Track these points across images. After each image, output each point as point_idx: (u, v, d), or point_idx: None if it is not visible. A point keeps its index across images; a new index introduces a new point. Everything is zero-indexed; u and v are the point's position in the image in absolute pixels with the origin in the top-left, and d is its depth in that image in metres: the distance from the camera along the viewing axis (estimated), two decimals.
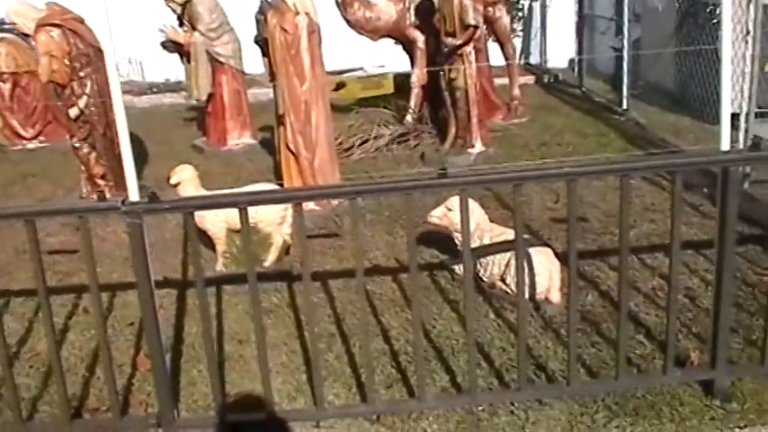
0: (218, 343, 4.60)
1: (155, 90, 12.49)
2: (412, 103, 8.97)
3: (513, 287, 4.46)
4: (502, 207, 6.43)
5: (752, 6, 6.36)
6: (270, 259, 5.71)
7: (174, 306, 5.18)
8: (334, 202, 6.76)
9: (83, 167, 7.46)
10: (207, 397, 4.06)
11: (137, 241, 3.57)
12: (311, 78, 6.46)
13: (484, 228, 5.22)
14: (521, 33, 13.26)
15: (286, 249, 5.86)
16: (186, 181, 5.63)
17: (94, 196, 7.37)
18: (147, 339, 3.75)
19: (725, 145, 3.70)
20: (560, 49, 12.91)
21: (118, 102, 3.74)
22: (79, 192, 7.57)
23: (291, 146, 6.59)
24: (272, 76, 6.60)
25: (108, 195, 7.04)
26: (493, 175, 3.90)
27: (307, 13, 6.39)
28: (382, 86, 4.31)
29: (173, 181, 5.64)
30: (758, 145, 3.88)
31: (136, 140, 9.19)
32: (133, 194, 3.71)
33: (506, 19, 9.87)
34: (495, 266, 5.04)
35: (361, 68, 12.50)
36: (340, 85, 4.27)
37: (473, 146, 7.99)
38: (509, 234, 5.02)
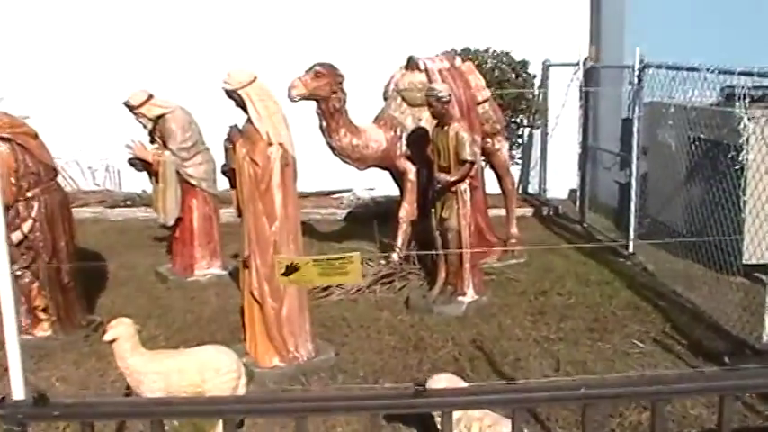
0: None
1: (128, 203, 11.74)
2: (399, 240, 8.18)
3: None
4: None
5: None
6: None
7: None
8: (303, 356, 5.91)
9: (23, 299, 6.57)
10: None
11: None
12: (282, 218, 5.69)
13: (472, 416, 4.34)
14: (519, 161, 12.64)
15: (240, 422, 4.94)
16: (123, 338, 4.77)
17: (36, 332, 6.69)
18: None
19: None
20: (561, 180, 12.27)
21: None
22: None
23: (256, 293, 5.76)
24: (239, 211, 5.80)
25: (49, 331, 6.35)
26: (481, 395, 2.97)
27: (281, 144, 5.65)
28: (346, 273, 3.65)
29: (107, 338, 4.80)
30: None
31: (99, 260, 8.71)
32: (17, 391, 2.83)
33: (506, 151, 9.19)
34: None
35: (350, 190, 11.87)
36: (291, 268, 3.49)
37: (464, 293, 7.19)
38: (505, 425, 4.16)
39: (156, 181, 8.21)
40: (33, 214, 6.45)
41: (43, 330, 6.58)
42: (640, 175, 9.31)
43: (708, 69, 7.16)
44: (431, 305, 7.15)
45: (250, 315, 5.89)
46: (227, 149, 5.83)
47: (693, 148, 8.32)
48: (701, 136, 8.23)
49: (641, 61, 8.82)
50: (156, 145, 8.26)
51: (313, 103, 7.74)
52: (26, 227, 6.43)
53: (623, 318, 7.00)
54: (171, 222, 8.24)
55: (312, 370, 5.87)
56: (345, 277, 3.72)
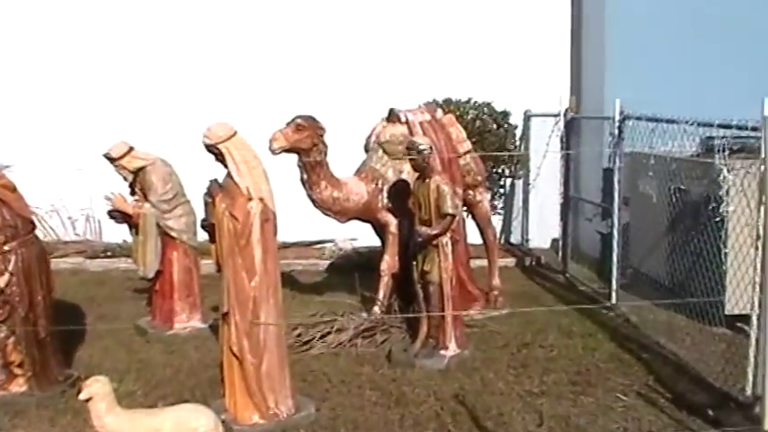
0: None
1: (109, 254, 11.65)
2: (380, 294, 8.14)
3: None
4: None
5: (762, 209, 5.67)
6: None
7: None
8: (283, 413, 5.82)
9: None
10: None
11: None
12: (262, 273, 5.64)
13: None
14: (501, 211, 12.66)
15: None
16: (98, 397, 4.71)
17: (11, 388, 6.57)
18: None
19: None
20: (543, 230, 12.31)
21: None
22: None
23: (235, 349, 5.68)
24: (219, 266, 5.76)
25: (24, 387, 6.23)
26: None
27: (261, 199, 5.63)
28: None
29: (82, 397, 4.74)
30: None
31: (77, 313, 8.62)
32: None
33: (487, 203, 9.22)
34: None
35: (332, 241, 11.83)
36: None
37: (446, 347, 7.12)
38: None
39: (136, 233, 8.17)
40: (10, 268, 6.35)
41: (18, 386, 6.44)
42: (622, 226, 9.32)
43: (687, 122, 7.22)
44: (413, 359, 7.08)
45: (229, 371, 5.80)
46: (206, 204, 5.80)
47: (674, 198, 8.37)
48: (682, 187, 8.29)
49: (621, 113, 8.88)
50: (136, 197, 8.23)
51: (294, 155, 7.74)
52: (2, 281, 6.33)
53: (606, 370, 6.97)
54: (151, 275, 8.18)
55: (292, 427, 5.78)
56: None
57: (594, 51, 11.97)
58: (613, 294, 9.05)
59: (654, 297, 8.57)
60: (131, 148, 8.12)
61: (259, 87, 11.75)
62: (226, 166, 5.72)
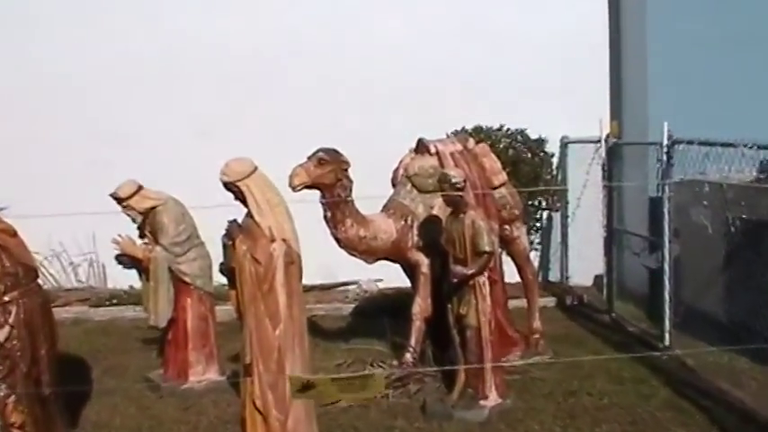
0: None
1: (115, 301, 11.68)
2: (412, 340, 8.10)
3: None
4: None
5: None
6: None
7: None
8: None
9: None
10: None
11: None
12: (287, 320, 5.63)
13: None
14: (539, 247, 12.61)
15: None
16: None
17: None
18: None
19: None
20: (585, 266, 12.21)
21: None
22: None
23: (259, 403, 5.66)
24: (240, 314, 5.75)
25: None
26: None
27: (284, 240, 5.63)
28: (367, 389, 3.66)
29: None
30: None
31: (81, 368, 8.62)
32: None
33: (525, 238, 9.18)
34: None
35: (356, 282, 11.81)
36: (308, 386, 3.49)
37: (486, 397, 7.09)
38: None
39: (147, 279, 8.16)
40: (11, 320, 6.32)
41: None
42: (673, 260, 9.22)
43: (746, 145, 7.16)
44: (450, 411, 7.03)
45: (252, 427, 5.76)
46: (225, 246, 5.81)
47: (732, 229, 8.29)
48: (742, 216, 8.20)
49: (670, 137, 8.80)
50: (145, 239, 8.24)
51: (316, 191, 7.75)
52: (2, 334, 6.31)
53: (664, 420, 6.90)
54: (163, 324, 8.16)
55: None
56: (366, 392, 3.65)
57: (636, 70, 11.92)
58: (666, 335, 8.95)
59: (711, 337, 8.49)
60: (140, 187, 8.14)
61: (279, 119, 11.83)
62: (246, 205, 5.73)
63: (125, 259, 8.16)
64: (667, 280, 9.04)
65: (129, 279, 9.99)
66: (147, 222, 8.18)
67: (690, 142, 8.48)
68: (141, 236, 8.30)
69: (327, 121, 11.44)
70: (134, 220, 8.25)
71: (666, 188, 8.99)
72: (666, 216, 9.04)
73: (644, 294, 10.70)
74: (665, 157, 8.92)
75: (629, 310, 10.63)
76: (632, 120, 11.94)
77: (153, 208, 8.12)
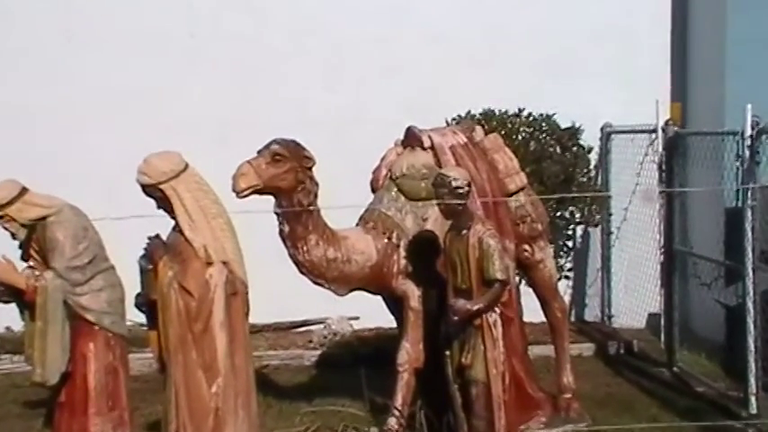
0: None
1: None
2: (398, 399, 8.18)
3: None
4: None
5: None
6: None
7: None
8: None
9: None
10: None
11: None
12: (227, 372, 5.80)
13: None
14: (570, 274, 12.71)
15: None
16: None
17: None
18: None
19: None
20: (634, 301, 12.40)
21: None
22: None
23: None
24: (162, 364, 5.88)
25: None
26: None
27: (225, 263, 5.76)
28: None
29: None
30: None
31: None
32: None
33: (551, 262, 9.28)
34: None
35: (322, 322, 11.94)
36: None
37: None
38: None
39: (32, 317, 8.18)
40: None
41: None
42: (759, 294, 9.31)
43: None
44: None
45: None
46: (144, 272, 5.92)
47: None
48: None
49: (755, 124, 8.91)
50: (30, 262, 8.27)
51: (270, 198, 7.84)
52: None
53: None
54: (53, 380, 8.20)
55: None
56: None
57: (709, 35, 12.06)
58: (751, 399, 9.02)
59: None
60: (24, 190, 8.18)
61: (217, 97, 11.96)
62: (173, 215, 5.84)
63: (1, 290, 8.21)
64: (752, 322, 9.13)
65: (6, 318, 10.08)
66: (34, 239, 8.22)
67: None
68: (25, 258, 8.34)
69: (283, 99, 11.62)
70: (13, 236, 8.29)
71: (750, 195, 9.05)
72: (750, 234, 9.11)
73: (719, 342, 10.87)
74: (747, 153, 9.04)
75: (697, 363, 10.77)
76: (702, 102, 12.09)
77: (42, 219, 8.16)
